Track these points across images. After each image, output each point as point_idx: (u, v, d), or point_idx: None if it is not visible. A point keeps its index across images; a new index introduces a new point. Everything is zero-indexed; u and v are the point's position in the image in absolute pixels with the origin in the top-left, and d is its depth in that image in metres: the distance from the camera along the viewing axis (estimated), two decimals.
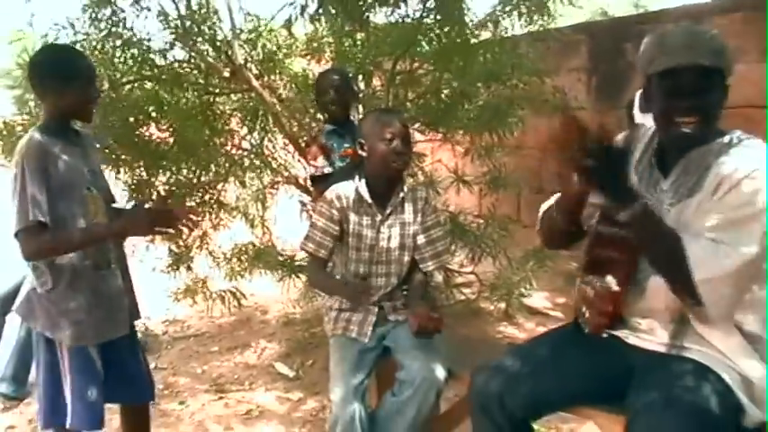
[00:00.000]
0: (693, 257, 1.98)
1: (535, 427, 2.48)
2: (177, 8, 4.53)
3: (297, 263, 4.94)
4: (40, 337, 2.80)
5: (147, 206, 3.13)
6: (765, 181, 1.97)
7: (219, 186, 5.02)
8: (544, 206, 2.48)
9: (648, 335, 2.23)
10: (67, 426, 2.81)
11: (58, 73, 2.73)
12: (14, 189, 2.61)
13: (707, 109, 2.08)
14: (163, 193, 4.61)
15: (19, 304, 2.83)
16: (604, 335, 2.27)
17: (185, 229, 4.29)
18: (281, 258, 4.99)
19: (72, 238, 2.73)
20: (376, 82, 4.98)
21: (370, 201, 2.93)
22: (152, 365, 4.66)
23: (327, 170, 3.78)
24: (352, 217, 2.95)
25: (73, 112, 2.80)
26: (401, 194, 2.97)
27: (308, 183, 4.35)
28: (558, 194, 2.34)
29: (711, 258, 1.97)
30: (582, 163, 1.94)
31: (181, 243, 5.06)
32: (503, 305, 5.15)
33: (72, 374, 2.77)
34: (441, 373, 2.68)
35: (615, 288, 2.07)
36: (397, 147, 2.86)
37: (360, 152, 2.97)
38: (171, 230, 3.05)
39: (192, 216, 3.06)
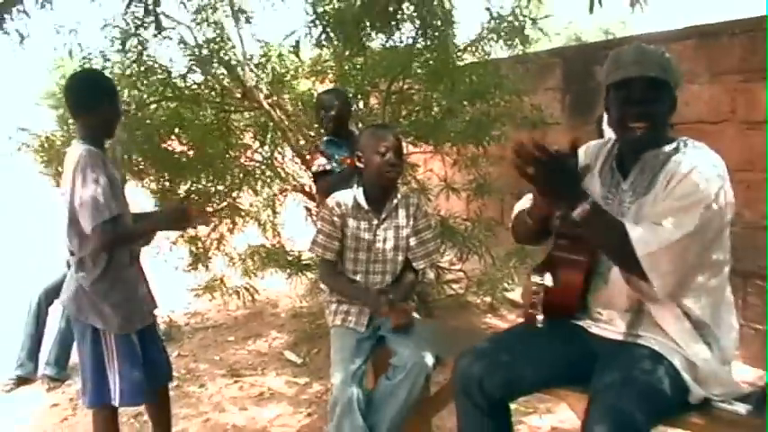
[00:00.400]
0: (635, 237, 2.03)
1: (513, 406, 2.52)
2: (195, 37, 4.60)
3: (303, 262, 4.99)
4: (87, 328, 2.87)
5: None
6: (709, 175, 2.05)
7: (234, 194, 5.07)
8: (517, 207, 2.53)
9: (609, 324, 2.29)
10: (116, 404, 2.91)
11: (86, 94, 2.85)
12: (82, 189, 2.68)
13: (655, 115, 2.16)
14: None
15: (68, 301, 2.89)
16: (539, 323, 2.33)
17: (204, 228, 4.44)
18: (289, 258, 5.04)
19: (137, 230, 2.93)
20: (373, 101, 5.04)
21: (366, 207, 2.98)
22: (175, 353, 4.76)
23: (328, 167, 3.82)
24: (351, 222, 2.99)
25: (99, 128, 2.88)
26: (395, 201, 3.00)
27: (313, 184, 4.41)
28: (530, 198, 2.41)
29: (651, 236, 2.03)
30: (530, 171, 2.00)
31: (200, 245, 5.12)
32: (488, 299, 5.20)
33: (119, 359, 2.86)
34: (429, 359, 2.73)
35: (550, 284, 2.13)
36: (390, 159, 2.90)
37: (357, 163, 3.01)
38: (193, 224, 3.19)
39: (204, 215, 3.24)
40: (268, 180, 5.14)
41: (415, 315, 3.03)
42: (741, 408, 2.15)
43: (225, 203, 5.03)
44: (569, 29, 21.44)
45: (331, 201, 3.04)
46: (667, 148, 2.19)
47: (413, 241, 3.03)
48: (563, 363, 2.31)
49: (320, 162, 3.82)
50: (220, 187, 4.94)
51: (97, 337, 2.86)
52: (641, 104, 2.15)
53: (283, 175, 5.19)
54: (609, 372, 2.11)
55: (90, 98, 2.84)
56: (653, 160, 2.20)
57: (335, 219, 2.99)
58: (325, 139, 3.96)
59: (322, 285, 3.29)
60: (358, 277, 3.02)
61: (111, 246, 2.78)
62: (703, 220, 2.03)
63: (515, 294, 5.42)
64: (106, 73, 4.21)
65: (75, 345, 4.31)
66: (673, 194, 2.08)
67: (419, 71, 4.67)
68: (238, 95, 4.72)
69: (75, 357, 4.45)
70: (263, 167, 5.07)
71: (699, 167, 2.06)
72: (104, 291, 2.82)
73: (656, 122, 2.17)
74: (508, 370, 2.30)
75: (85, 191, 2.67)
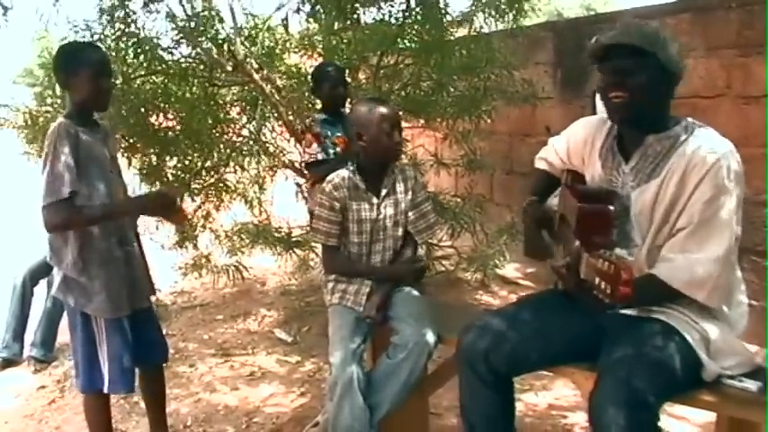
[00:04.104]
0: (684, 285, 2.05)
1: None
2: (185, 9, 4.49)
3: (293, 239, 4.93)
4: (77, 313, 2.78)
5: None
6: (726, 170, 2.01)
7: (221, 170, 4.98)
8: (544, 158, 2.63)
9: None
10: (105, 391, 2.82)
11: (76, 64, 2.72)
12: (44, 167, 2.59)
13: (634, 85, 2.07)
14: (171, 178, 4.61)
15: (57, 287, 2.79)
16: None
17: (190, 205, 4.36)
18: (277, 235, 4.97)
19: (94, 213, 2.72)
20: (361, 75, 4.95)
21: (365, 187, 2.89)
22: (163, 332, 4.68)
23: (320, 156, 3.74)
24: (351, 204, 2.89)
25: (88, 101, 2.76)
26: (393, 177, 2.93)
27: (303, 168, 4.32)
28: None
29: (698, 276, 2.04)
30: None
31: (186, 222, 5.04)
32: (479, 275, 5.17)
33: (109, 345, 2.77)
34: (431, 337, 2.67)
35: (631, 258, 2.03)
36: (396, 136, 2.82)
37: (359, 142, 2.86)
38: (172, 217, 3.10)
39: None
40: (255, 156, 5.05)
41: (415, 292, 2.97)
42: (752, 385, 2.11)
43: (212, 180, 4.94)
44: (551, 5, 21.40)
45: (327, 185, 2.93)
46: (672, 133, 2.13)
47: (412, 215, 2.96)
48: (571, 338, 2.27)
49: (313, 150, 3.73)
50: (207, 163, 4.84)
51: (88, 323, 2.78)
52: (620, 72, 2.08)
53: (272, 150, 5.11)
54: (619, 346, 2.07)
55: (73, 70, 2.72)
56: (656, 145, 2.15)
57: (335, 203, 2.89)
58: (320, 117, 3.85)
59: (323, 272, 3.17)
60: (362, 259, 2.96)
61: (62, 226, 2.65)
62: (732, 230, 2.06)
63: (505, 271, 5.41)
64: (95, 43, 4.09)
65: (62, 325, 4.32)
66: (695, 201, 2.04)
67: (410, 45, 4.59)
68: (229, 68, 4.61)
69: (61, 338, 4.41)
70: (251, 143, 4.98)
71: (715, 165, 2.01)
72: (93, 273, 2.72)
73: (635, 93, 2.07)
74: (515, 345, 2.26)
75: (46, 167, 2.58)
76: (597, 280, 1.81)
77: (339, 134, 3.75)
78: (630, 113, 2.13)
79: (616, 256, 1.80)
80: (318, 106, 4.21)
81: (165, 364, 3.26)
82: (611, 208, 2.13)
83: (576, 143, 2.44)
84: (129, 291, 2.84)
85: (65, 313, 3.94)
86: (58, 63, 2.80)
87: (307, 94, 4.59)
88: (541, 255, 2.51)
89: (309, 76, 4.17)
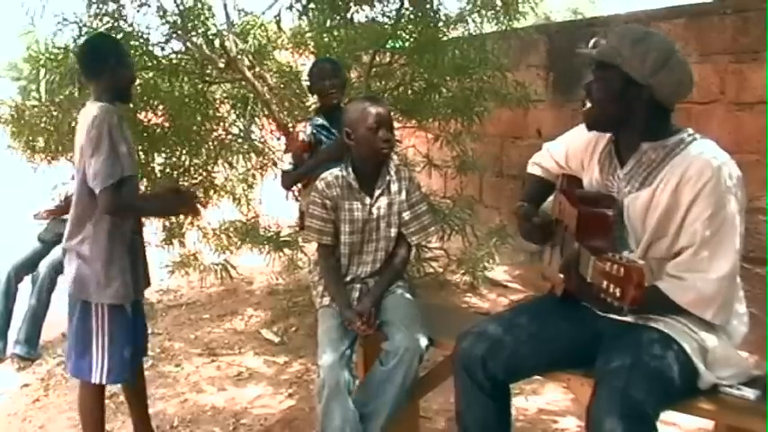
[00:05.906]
0: (692, 304, 2.04)
1: None
2: (177, 4, 4.43)
3: (282, 239, 4.88)
4: (77, 304, 2.79)
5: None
6: (723, 184, 1.99)
7: (209, 168, 4.93)
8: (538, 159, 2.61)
9: None
10: (104, 382, 2.85)
11: (115, 55, 2.81)
12: (97, 149, 2.60)
13: (597, 96, 2.12)
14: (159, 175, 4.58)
15: (72, 286, 2.80)
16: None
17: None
18: (268, 234, 4.92)
19: (146, 205, 2.98)
20: (353, 74, 4.91)
21: (358, 187, 2.85)
22: (149, 331, 4.60)
23: (289, 167, 3.62)
24: (344, 204, 2.85)
25: (120, 92, 2.83)
26: (387, 177, 2.88)
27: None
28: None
29: (706, 295, 2.02)
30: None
31: (173, 219, 4.98)
32: (468, 278, 5.15)
33: (111, 335, 2.79)
34: (423, 341, 2.63)
35: (642, 262, 2.00)
36: (384, 134, 2.76)
37: (349, 141, 2.83)
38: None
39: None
40: (244, 153, 5.00)
41: (407, 295, 2.93)
42: (750, 393, 2.10)
43: (200, 178, 4.89)
44: (538, 8, 21.42)
45: (320, 183, 2.90)
46: (669, 142, 2.11)
47: (407, 216, 2.91)
48: (568, 345, 2.25)
49: (286, 159, 3.66)
50: (196, 161, 4.79)
51: (87, 315, 2.78)
52: (588, 83, 2.14)
53: (260, 148, 5.06)
54: (616, 354, 2.05)
55: (101, 61, 2.78)
56: (651, 152, 2.13)
57: (327, 201, 2.85)
58: (315, 122, 3.62)
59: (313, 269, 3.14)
60: (353, 258, 2.93)
61: (118, 209, 2.68)
62: (736, 244, 2.02)
63: (494, 273, 5.39)
64: (80, 41, 4.05)
65: (47, 323, 4.29)
66: (694, 217, 2.01)
67: (403, 44, 4.55)
68: (221, 65, 4.55)
69: (45, 335, 4.36)
70: (240, 141, 4.93)
71: (713, 178, 1.98)
72: (108, 259, 2.74)
73: (598, 104, 2.12)
74: (512, 351, 2.24)
75: (99, 149, 2.60)
76: (605, 283, 1.76)
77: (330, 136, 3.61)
78: (593, 123, 2.19)
79: (626, 259, 1.75)
80: (312, 105, 4.13)
81: (144, 359, 3.29)
82: (611, 212, 2.11)
83: (577, 147, 2.41)
84: (136, 278, 2.88)
85: (49, 310, 3.95)
86: (88, 54, 2.88)
87: (298, 92, 4.54)
88: (539, 233, 2.46)
89: (307, 74, 4.07)
